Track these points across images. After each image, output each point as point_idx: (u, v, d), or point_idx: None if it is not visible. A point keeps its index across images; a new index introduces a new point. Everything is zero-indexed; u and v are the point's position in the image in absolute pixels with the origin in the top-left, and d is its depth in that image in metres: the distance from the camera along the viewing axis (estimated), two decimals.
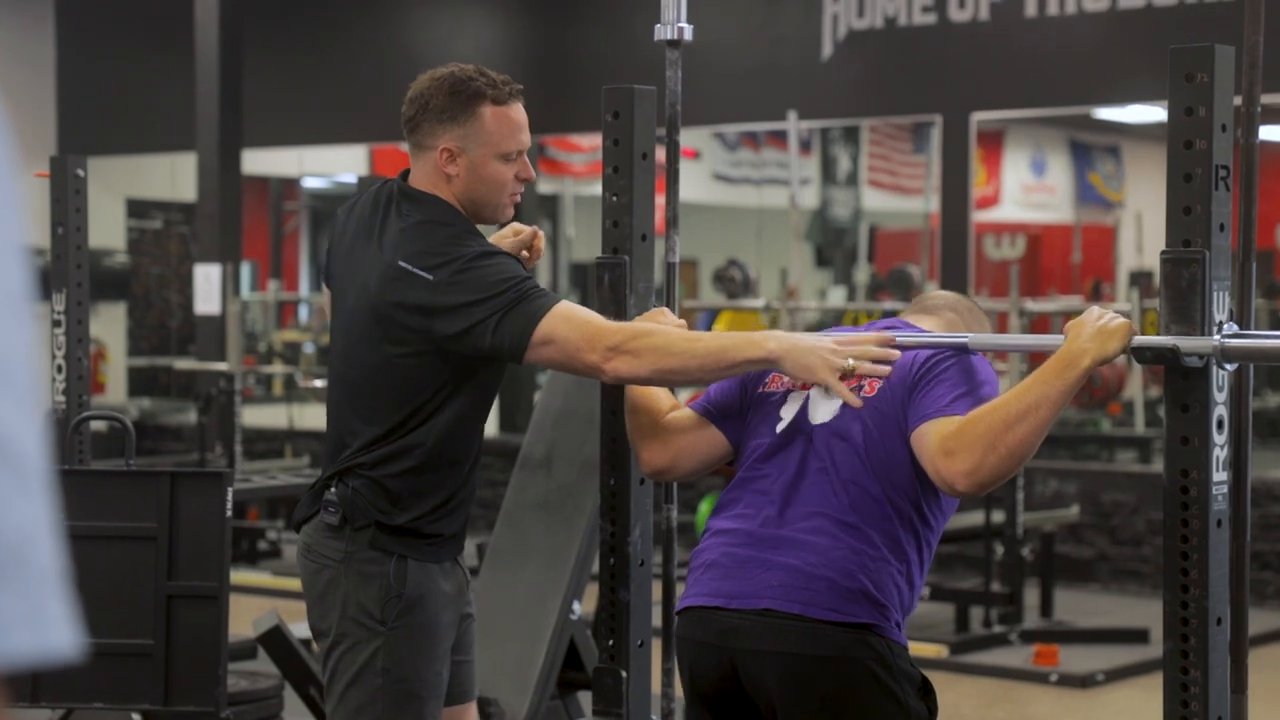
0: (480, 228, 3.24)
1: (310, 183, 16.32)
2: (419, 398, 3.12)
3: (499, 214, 3.21)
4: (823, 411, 2.98)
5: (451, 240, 3.09)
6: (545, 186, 14.72)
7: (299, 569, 3.33)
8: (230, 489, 4.17)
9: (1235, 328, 2.74)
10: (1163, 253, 2.73)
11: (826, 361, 2.89)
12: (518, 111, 3.19)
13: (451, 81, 3.15)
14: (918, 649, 7.39)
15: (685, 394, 7.45)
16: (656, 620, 3.49)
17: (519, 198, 3.23)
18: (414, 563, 3.15)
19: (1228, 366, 2.73)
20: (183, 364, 11.64)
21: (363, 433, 3.16)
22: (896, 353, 2.94)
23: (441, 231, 3.10)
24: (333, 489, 3.18)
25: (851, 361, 2.90)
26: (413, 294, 3.05)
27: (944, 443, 2.82)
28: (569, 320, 2.99)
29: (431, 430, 3.13)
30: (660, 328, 3.01)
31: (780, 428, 3.01)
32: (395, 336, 3.09)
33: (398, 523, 3.14)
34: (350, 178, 15.22)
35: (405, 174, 3.25)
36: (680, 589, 3.12)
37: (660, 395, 3.16)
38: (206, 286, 10.88)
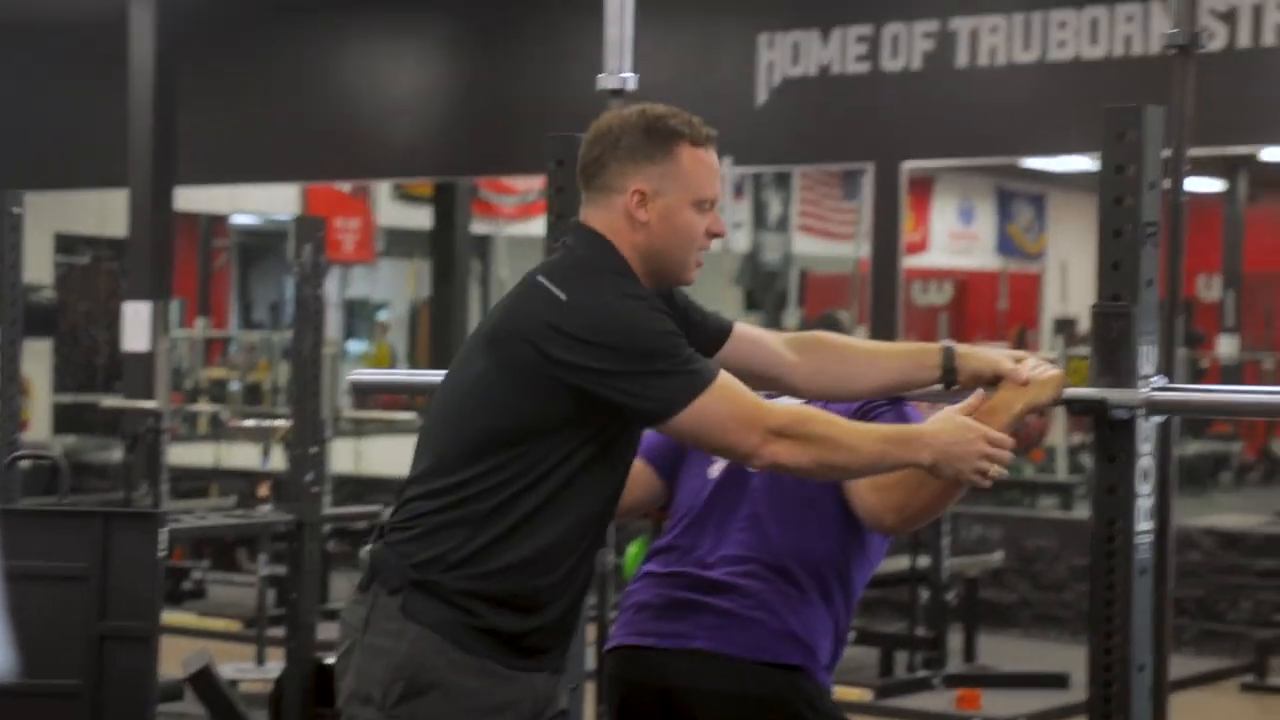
0: None
1: (241, 219, 16.27)
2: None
3: (683, 273, 2.82)
4: None
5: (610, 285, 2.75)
6: (478, 227, 14.74)
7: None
8: (163, 529, 4.17)
9: (1163, 380, 2.80)
10: (1093, 307, 2.79)
11: (975, 468, 2.70)
12: (714, 157, 2.83)
13: (646, 119, 2.80)
14: (843, 693, 7.44)
15: None
16: (589, 662, 3.52)
17: (703, 261, 2.85)
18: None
19: (1154, 419, 2.79)
20: (110, 401, 11.55)
21: None
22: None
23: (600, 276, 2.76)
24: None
25: (996, 471, 2.72)
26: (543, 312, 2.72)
27: (875, 480, 2.88)
28: (732, 390, 2.70)
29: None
30: (823, 414, 2.73)
31: (714, 472, 3.05)
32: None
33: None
34: (283, 216, 15.20)
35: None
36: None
37: None
38: (135, 323, 10.83)
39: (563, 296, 2.69)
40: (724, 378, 2.70)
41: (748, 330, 2.98)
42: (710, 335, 2.91)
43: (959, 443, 2.69)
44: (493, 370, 2.71)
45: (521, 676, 2.72)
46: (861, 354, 2.98)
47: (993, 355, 2.89)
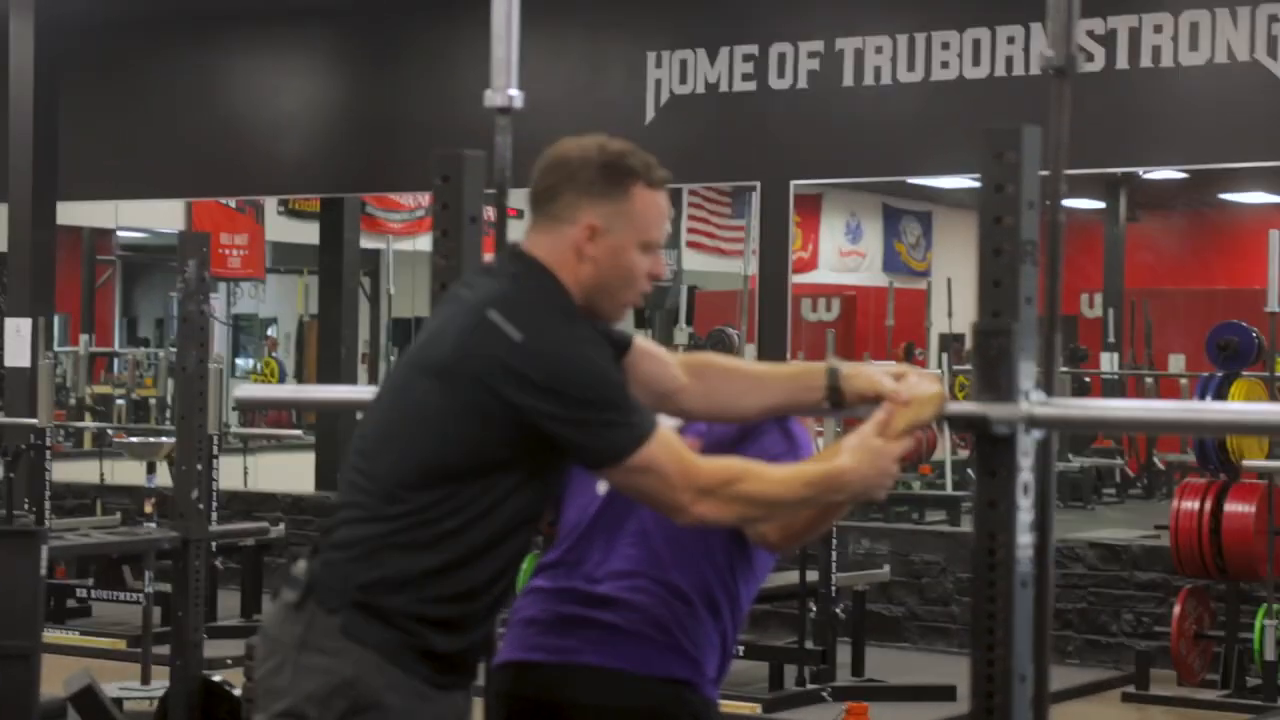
0: None
1: (126, 235, 16.10)
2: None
3: (618, 312, 2.87)
4: None
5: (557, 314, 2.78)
6: (367, 243, 14.67)
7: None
8: (45, 547, 4.12)
9: (1042, 396, 2.85)
10: (973, 324, 2.83)
11: (888, 482, 2.82)
12: (665, 200, 2.86)
13: (606, 155, 2.81)
14: (732, 706, 7.47)
15: None
16: (479, 679, 3.51)
17: (640, 303, 2.90)
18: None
19: (1034, 433, 2.84)
20: None
21: None
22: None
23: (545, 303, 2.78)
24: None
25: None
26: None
27: None
28: (669, 448, 2.74)
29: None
30: (750, 469, 2.76)
31: (602, 488, 3.06)
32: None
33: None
34: (168, 230, 15.05)
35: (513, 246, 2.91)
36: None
37: None
38: (17, 340, 10.68)
39: (517, 337, 2.70)
40: (661, 435, 2.73)
41: (648, 346, 3.01)
42: (613, 347, 2.93)
43: (876, 472, 2.79)
44: (442, 403, 2.71)
45: (446, 694, 2.77)
46: (749, 377, 3.01)
47: (875, 376, 2.91)
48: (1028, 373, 2.83)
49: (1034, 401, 2.82)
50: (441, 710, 2.77)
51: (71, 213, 12.61)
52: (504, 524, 2.74)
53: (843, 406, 2.95)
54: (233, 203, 15.38)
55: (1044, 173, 2.88)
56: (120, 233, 16.02)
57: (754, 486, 2.74)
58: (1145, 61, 8.94)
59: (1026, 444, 2.83)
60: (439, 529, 2.71)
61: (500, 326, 2.71)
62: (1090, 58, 8.93)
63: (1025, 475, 2.82)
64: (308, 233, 14.49)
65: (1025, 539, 2.82)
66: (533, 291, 2.78)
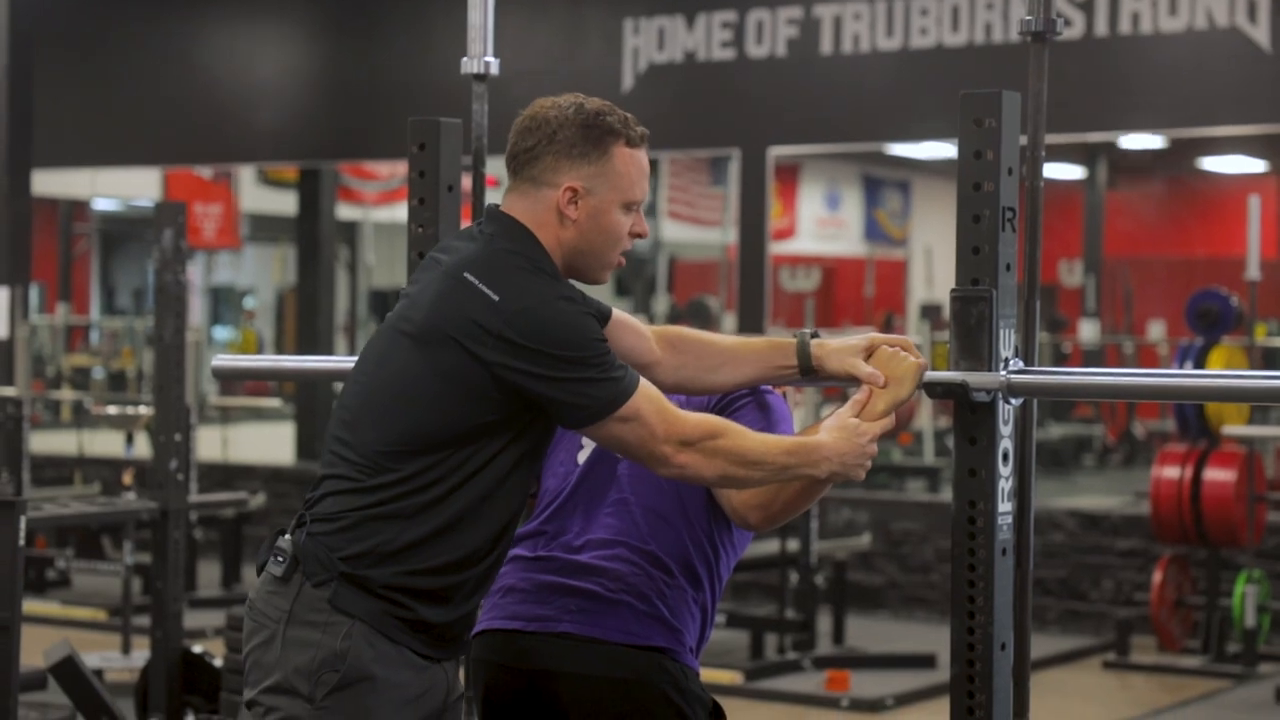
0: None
1: (102, 204, 16.04)
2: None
3: (601, 273, 2.84)
4: None
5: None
6: (345, 213, 14.62)
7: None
8: (24, 518, 4.10)
9: (1021, 364, 2.85)
10: (952, 291, 2.82)
11: (863, 468, 2.81)
12: (645, 157, 2.84)
13: (583, 114, 2.78)
14: (713, 675, 7.49)
15: None
16: None
17: (623, 262, 2.88)
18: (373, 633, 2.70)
19: (1013, 401, 2.83)
20: None
21: None
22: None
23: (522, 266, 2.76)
24: None
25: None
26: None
27: None
28: (651, 400, 2.74)
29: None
30: (733, 427, 2.77)
31: (582, 458, 3.06)
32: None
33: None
34: (145, 201, 14.98)
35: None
36: None
37: None
38: None
39: (494, 297, 2.68)
40: (644, 387, 2.73)
41: (626, 318, 3.00)
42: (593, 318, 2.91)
43: (853, 452, 2.78)
44: (422, 369, 2.70)
45: (434, 666, 2.76)
46: (723, 351, 3.00)
47: (850, 360, 2.89)
48: (1007, 340, 2.82)
49: (1013, 369, 2.82)
50: (432, 682, 2.76)
51: (48, 183, 12.55)
52: (489, 490, 2.72)
53: (818, 379, 2.95)
54: (208, 173, 15.32)
55: (1023, 140, 2.87)
56: (97, 204, 15.95)
57: (736, 443, 2.74)
58: (1124, 28, 8.93)
59: (1006, 412, 2.83)
60: (424, 498, 2.69)
61: (477, 287, 2.69)
62: (1069, 24, 8.92)
63: (1005, 443, 2.82)
64: (284, 203, 14.46)
65: (1005, 506, 2.82)
66: (509, 253, 2.75)
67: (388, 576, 2.69)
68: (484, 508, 2.73)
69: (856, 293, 16.58)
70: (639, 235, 2.84)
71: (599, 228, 2.79)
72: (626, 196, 2.80)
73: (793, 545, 8.13)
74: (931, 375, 2.85)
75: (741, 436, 2.76)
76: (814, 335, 2.96)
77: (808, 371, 2.94)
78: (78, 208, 15.71)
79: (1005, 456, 2.82)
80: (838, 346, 2.92)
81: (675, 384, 3.00)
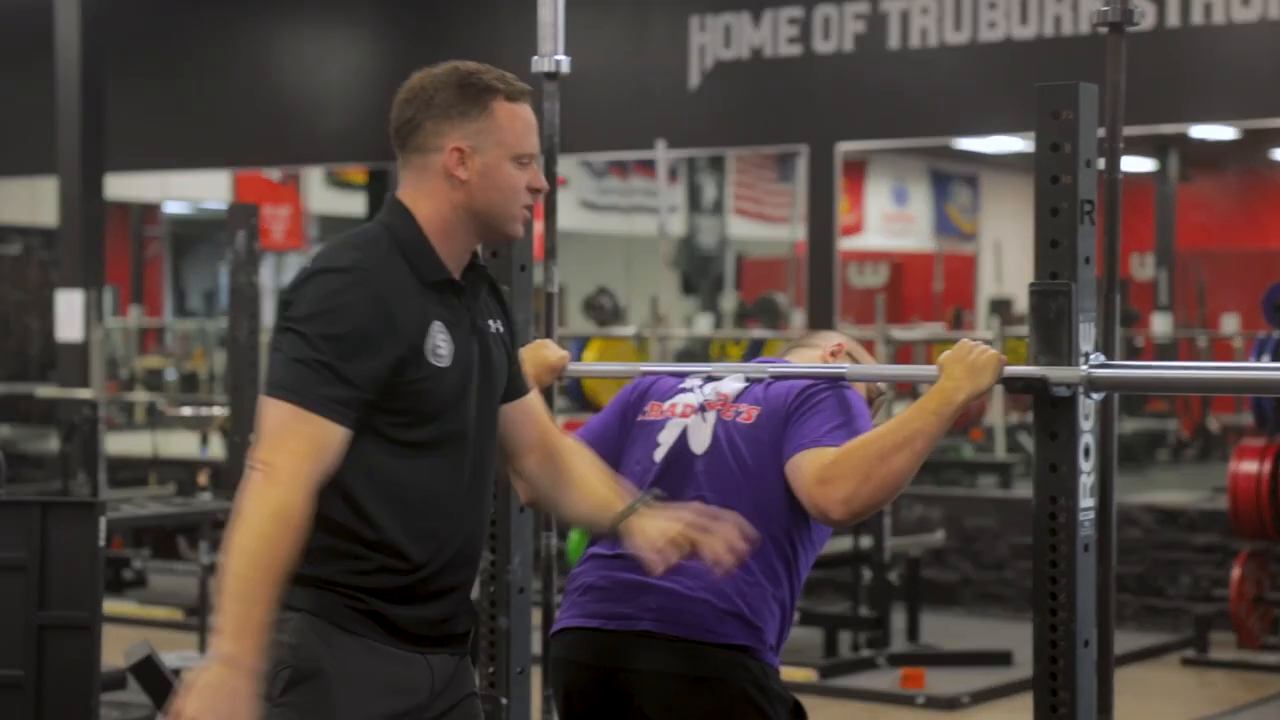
0: None
1: (172, 208, 16.15)
2: None
3: (509, 227, 2.74)
4: (700, 439, 3.04)
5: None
6: None
7: None
8: (103, 519, 4.14)
9: (1101, 358, 2.82)
10: (1031, 285, 2.80)
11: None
12: (529, 111, 2.78)
13: (459, 75, 2.76)
14: (787, 673, 7.44)
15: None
16: (536, 647, 3.52)
17: (529, 214, 2.80)
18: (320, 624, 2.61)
19: (1094, 396, 2.81)
20: (44, 391, 11.46)
21: None
22: None
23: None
24: None
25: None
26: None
27: (820, 472, 2.88)
28: (298, 427, 2.57)
29: None
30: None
31: (659, 455, 3.05)
32: None
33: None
34: (215, 204, 15.09)
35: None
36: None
37: None
38: (68, 313, 10.73)
39: (306, 265, 2.65)
40: (340, 406, 2.55)
41: (533, 408, 2.90)
42: (509, 384, 2.83)
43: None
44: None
45: (415, 658, 2.65)
46: (576, 486, 2.90)
47: (668, 526, 2.76)
48: (1087, 335, 2.80)
49: (1094, 363, 2.79)
50: (408, 674, 2.65)
51: (119, 188, 12.65)
52: (384, 479, 2.61)
53: (618, 538, 2.85)
54: (276, 175, 15.41)
55: (1099, 132, 2.85)
56: (168, 207, 16.08)
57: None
58: (1196, 18, 8.84)
59: (1087, 406, 2.80)
60: (339, 495, 2.59)
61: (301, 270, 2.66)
62: (1141, 15, 8.84)
63: (1086, 438, 2.80)
64: (353, 204, 14.52)
65: (1087, 502, 2.80)
66: (352, 234, 2.70)
67: (332, 574, 2.60)
68: (388, 499, 2.61)
69: (925, 288, 16.49)
70: (537, 190, 2.76)
71: (492, 184, 2.71)
72: (515, 150, 2.72)
73: (866, 542, 8.09)
74: (1011, 370, 2.83)
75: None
76: (658, 497, 2.87)
77: (614, 532, 2.85)
78: (149, 211, 15.82)
79: (1086, 452, 2.80)
80: (648, 523, 2.78)
81: (524, 490, 2.97)
